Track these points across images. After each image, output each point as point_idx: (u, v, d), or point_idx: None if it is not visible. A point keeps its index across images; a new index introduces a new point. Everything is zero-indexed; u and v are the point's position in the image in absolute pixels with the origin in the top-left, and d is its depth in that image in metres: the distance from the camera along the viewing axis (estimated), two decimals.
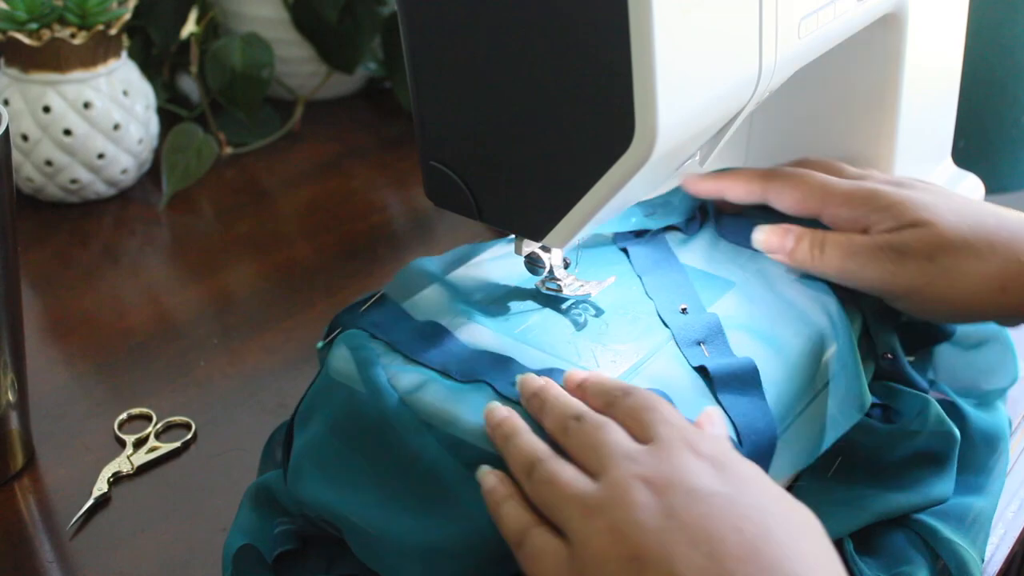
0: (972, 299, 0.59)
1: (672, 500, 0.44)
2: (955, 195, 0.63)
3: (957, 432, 0.62)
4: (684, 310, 0.60)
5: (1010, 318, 0.61)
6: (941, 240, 0.59)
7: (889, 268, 0.59)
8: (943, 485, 0.60)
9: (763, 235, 0.64)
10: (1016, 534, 0.62)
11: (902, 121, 0.70)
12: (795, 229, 0.63)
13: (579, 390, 0.53)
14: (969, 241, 0.58)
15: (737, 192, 0.66)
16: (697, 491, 0.45)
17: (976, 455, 0.64)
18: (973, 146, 0.88)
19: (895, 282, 0.60)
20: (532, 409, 0.53)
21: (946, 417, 0.61)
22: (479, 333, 0.60)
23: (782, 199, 0.64)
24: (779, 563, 0.42)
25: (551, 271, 0.62)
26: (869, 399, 0.60)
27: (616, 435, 0.48)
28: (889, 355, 0.63)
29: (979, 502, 0.61)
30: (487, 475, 0.50)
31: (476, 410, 0.53)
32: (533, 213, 0.57)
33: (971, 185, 0.79)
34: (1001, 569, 0.60)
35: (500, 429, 0.51)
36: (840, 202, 0.62)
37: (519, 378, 0.54)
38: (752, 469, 0.47)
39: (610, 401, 0.51)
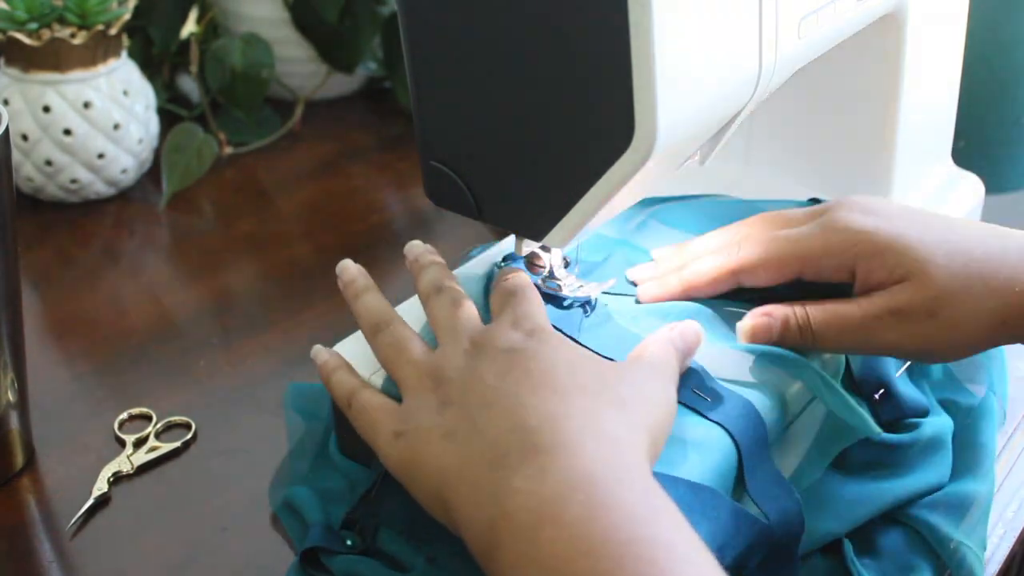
0: (975, 340, 0.56)
1: (479, 358, 0.52)
2: (931, 218, 0.58)
3: (950, 420, 0.62)
4: None
5: (1007, 344, 0.59)
6: (939, 291, 0.55)
7: (890, 337, 0.56)
8: (940, 469, 0.60)
9: (747, 329, 0.59)
10: (1016, 534, 0.61)
11: (902, 121, 0.69)
12: (775, 312, 0.58)
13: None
14: (965, 284, 0.55)
15: (707, 290, 0.61)
16: (501, 349, 0.52)
17: (966, 432, 0.64)
18: (973, 146, 0.88)
19: (900, 348, 0.57)
20: (412, 272, 0.60)
21: (943, 429, 0.62)
22: None
23: (757, 277, 0.59)
24: (547, 380, 0.50)
25: (551, 271, 0.62)
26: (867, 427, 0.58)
27: (465, 314, 0.56)
28: (876, 395, 0.62)
29: (975, 486, 0.60)
30: (320, 351, 0.59)
31: None
32: (533, 213, 0.57)
33: (971, 185, 0.79)
34: (1001, 569, 0.60)
35: (351, 287, 0.60)
36: (819, 256, 0.58)
37: (409, 244, 0.62)
38: (559, 341, 0.53)
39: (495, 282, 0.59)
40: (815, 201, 0.66)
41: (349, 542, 0.57)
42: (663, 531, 0.43)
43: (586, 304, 0.61)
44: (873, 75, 0.69)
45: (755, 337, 0.58)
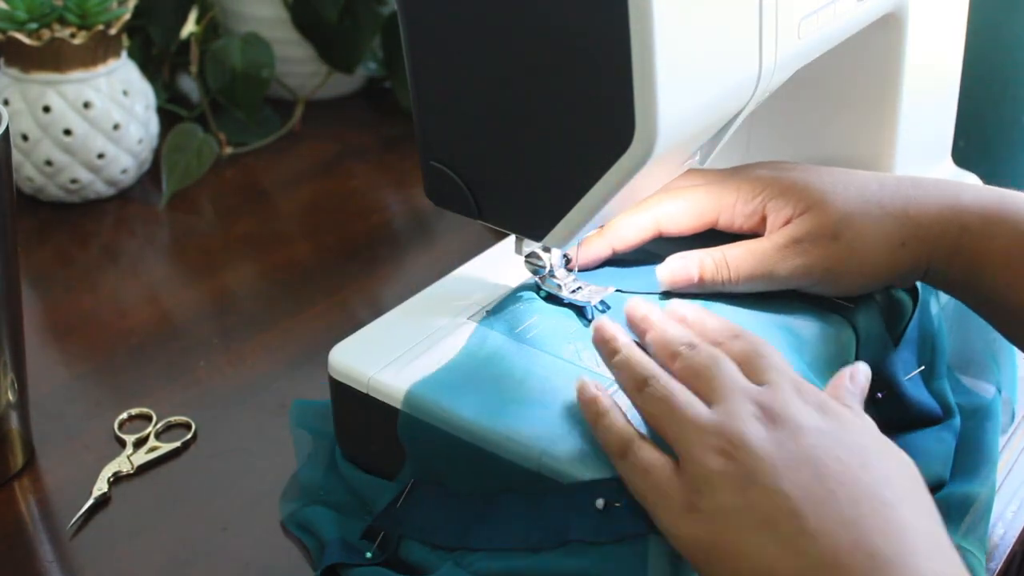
0: (879, 262, 0.60)
1: (781, 432, 0.48)
2: (830, 168, 0.63)
3: (957, 422, 0.62)
4: None
5: (909, 275, 0.62)
6: (840, 216, 0.59)
7: (800, 261, 0.60)
8: (941, 466, 0.61)
9: (667, 273, 0.62)
10: (1016, 534, 0.61)
11: (902, 121, 0.69)
12: (691, 255, 0.61)
13: (684, 323, 0.56)
14: (863, 208, 0.60)
15: (629, 236, 0.63)
16: (804, 427, 0.48)
17: (970, 434, 0.64)
18: (973, 146, 0.88)
19: (809, 271, 0.60)
20: (639, 332, 0.56)
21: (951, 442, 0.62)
22: (478, 331, 0.60)
23: (678, 224, 0.63)
24: (875, 489, 0.46)
25: (551, 271, 0.62)
26: None
27: (729, 368, 0.51)
28: (880, 394, 0.62)
29: (977, 488, 0.60)
30: (587, 385, 0.53)
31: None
32: (533, 213, 0.57)
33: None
34: (1001, 569, 0.60)
35: (608, 345, 0.54)
36: (733, 203, 0.62)
37: (627, 304, 0.56)
38: (851, 414, 0.50)
39: (720, 340, 0.54)
40: None
41: (369, 554, 0.57)
42: None
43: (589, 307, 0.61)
44: (873, 75, 0.69)
45: (675, 281, 0.61)
